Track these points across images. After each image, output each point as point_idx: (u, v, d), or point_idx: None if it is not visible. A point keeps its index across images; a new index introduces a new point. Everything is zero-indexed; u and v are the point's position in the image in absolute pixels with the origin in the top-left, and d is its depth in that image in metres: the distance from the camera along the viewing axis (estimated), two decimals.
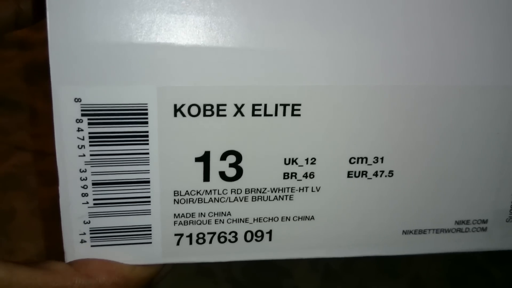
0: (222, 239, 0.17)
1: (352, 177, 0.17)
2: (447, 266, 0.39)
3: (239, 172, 0.16)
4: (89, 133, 0.15)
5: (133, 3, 0.14)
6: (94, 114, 0.15)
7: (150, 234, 0.16)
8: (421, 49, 0.16)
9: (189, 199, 0.16)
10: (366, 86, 0.16)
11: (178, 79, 0.15)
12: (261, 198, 0.17)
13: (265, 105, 0.16)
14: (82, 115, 0.15)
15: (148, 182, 0.16)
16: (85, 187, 0.16)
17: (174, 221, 0.16)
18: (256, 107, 0.16)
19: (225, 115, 0.16)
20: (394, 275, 0.39)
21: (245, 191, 0.16)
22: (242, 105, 0.16)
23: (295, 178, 0.17)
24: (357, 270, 0.39)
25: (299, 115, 0.16)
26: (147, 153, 0.16)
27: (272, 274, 0.38)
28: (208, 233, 0.17)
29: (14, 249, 0.33)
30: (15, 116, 0.38)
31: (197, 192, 0.16)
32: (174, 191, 0.16)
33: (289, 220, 0.17)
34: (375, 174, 0.17)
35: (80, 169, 0.15)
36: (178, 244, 0.17)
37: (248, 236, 0.17)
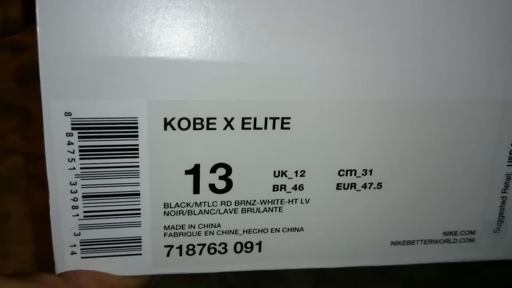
0: (212, 251, 0.17)
1: (341, 189, 0.17)
2: (440, 268, 0.40)
3: (229, 185, 0.16)
4: (80, 146, 0.15)
5: (124, 18, 0.14)
6: (84, 128, 0.15)
7: (140, 245, 0.16)
8: (410, 63, 0.16)
9: (179, 211, 0.16)
10: (355, 100, 0.16)
11: (168, 93, 0.15)
12: (250, 210, 0.17)
13: (255, 119, 0.16)
14: (73, 128, 0.15)
15: (138, 194, 0.16)
16: (76, 199, 0.16)
17: (164, 233, 0.16)
18: (246, 121, 0.16)
19: (215, 129, 0.16)
20: (388, 278, 0.39)
21: (235, 203, 0.17)
22: (232, 118, 0.16)
23: (285, 190, 0.17)
24: (351, 272, 0.39)
25: (288, 128, 0.16)
26: (137, 166, 0.16)
27: (266, 277, 0.38)
28: (198, 244, 0.17)
29: (8, 253, 0.33)
30: (8, 119, 0.38)
31: (187, 204, 0.16)
32: (164, 203, 0.16)
33: (278, 231, 0.17)
34: (364, 186, 0.17)
35: (70, 182, 0.15)
36: (168, 255, 0.17)
37: (238, 248, 0.17)
